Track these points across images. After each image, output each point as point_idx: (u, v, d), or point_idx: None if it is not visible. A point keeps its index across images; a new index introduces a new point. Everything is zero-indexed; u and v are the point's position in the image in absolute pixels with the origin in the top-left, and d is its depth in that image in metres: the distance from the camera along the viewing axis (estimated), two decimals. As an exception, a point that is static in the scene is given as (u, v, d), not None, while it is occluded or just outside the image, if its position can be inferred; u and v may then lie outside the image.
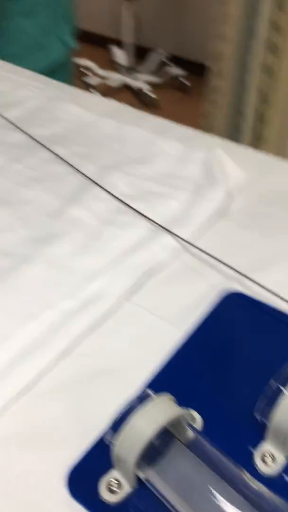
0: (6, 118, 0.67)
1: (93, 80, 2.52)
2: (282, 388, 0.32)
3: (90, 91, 2.51)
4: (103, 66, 2.64)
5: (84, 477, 0.31)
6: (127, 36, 2.53)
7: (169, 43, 2.73)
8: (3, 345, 0.40)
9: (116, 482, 0.31)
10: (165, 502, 0.30)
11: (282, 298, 0.41)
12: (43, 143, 0.63)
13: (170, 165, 0.60)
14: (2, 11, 0.91)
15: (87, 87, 2.54)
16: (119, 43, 2.72)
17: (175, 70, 2.60)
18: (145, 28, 2.78)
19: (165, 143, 0.63)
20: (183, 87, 2.62)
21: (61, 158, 0.61)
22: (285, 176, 0.59)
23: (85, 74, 2.67)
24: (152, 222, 0.50)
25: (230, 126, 1.40)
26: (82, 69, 2.68)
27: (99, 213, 0.53)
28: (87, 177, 0.57)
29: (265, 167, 0.60)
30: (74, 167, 0.59)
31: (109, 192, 0.55)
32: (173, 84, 2.61)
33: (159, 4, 2.64)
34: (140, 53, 2.71)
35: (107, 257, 0.47)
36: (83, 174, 0.58)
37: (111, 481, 0.31)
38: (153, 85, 2.53)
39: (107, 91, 2.60)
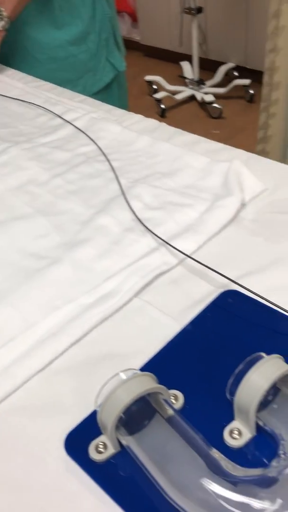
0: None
1: (160, 95, 2.61)
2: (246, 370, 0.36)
3: (160, 106, 2.61)
4: (172, 80, 2.73)
5: (78, 440, 0.38)
6: (193, 50, 2.60)
7: (234, 55, 2.76)
8: (28, 331, 0.47)
9: (102, 444, 0.37)
10: (141, 466, 0.35)
11: (271, 303, 0.45)
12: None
13: (194, 177, 0.65)
14: (54, 42, 1.01)
15: (156, 101, 2.63)
16: (187, 58, 2.80)
17: (240, 80, 2.63)
18: (210, 41, 2.83)
19: (191, 157, 0.68)
20: (247, 96, 2.63)
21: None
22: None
23: (154, 89, 2.77)
24: (157, 238, 0.56)
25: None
26: (151, 85, 2.79)
27: (124, 222, 0.59)
28: (121, 189, 0.64)
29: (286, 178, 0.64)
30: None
31: (128, 205, 0.61)
32: (238, 93, 2.64)
33: (221, 16, 2.68)
34: (207, 65, 2.76)
35: (124, 260, 0.54)
36: (115, 186, 0.65)
37: (98, 443, 0.37)
38: (219, 96, 2.57)
39: (174, 105, 2.69)
